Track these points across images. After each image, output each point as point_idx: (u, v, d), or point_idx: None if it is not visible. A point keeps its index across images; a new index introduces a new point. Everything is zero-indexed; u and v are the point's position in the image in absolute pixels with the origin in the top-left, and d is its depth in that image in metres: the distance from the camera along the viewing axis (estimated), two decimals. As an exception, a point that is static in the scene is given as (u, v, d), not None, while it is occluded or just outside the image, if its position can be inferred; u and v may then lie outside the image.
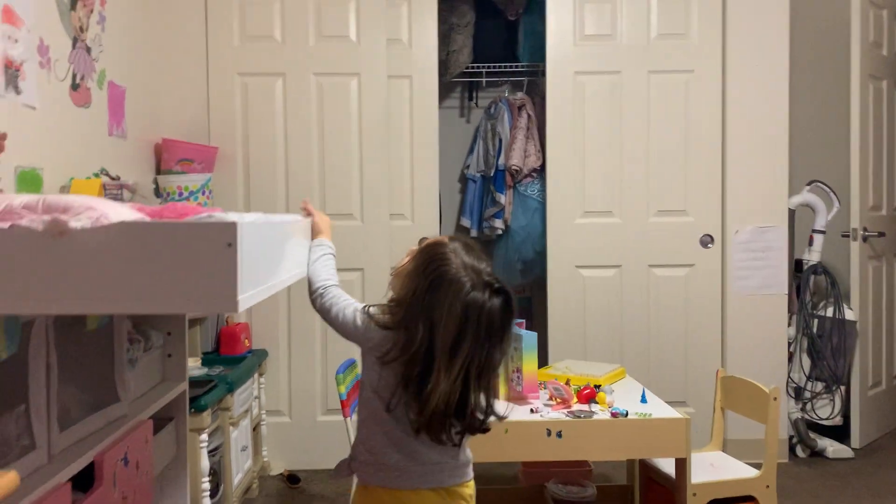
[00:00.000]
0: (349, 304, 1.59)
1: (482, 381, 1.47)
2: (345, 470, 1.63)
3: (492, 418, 1.52)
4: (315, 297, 1.63)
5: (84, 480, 1.46)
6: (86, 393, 1.54)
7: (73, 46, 2.54)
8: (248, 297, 1.10)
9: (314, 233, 1.80)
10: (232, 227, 1.04)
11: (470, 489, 1.59)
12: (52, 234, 1.01)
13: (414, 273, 1.50)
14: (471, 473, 1.60)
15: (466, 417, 1.47)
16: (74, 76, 2.54)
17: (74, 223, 1.00)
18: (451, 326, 1.42)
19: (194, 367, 2.91)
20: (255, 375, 3.35)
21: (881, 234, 3.86)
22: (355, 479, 1.64)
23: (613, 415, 2.31)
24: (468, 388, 1.45)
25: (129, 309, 1.05)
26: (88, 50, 2.65)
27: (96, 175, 2.61)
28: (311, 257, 1.71)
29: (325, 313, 1.61)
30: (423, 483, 1.53)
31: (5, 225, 1.01)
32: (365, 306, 1.58)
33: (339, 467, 1.66)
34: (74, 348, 1.48)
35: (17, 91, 2.17)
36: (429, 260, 1.49)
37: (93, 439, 1.50)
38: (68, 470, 1.35)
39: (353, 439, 2.66)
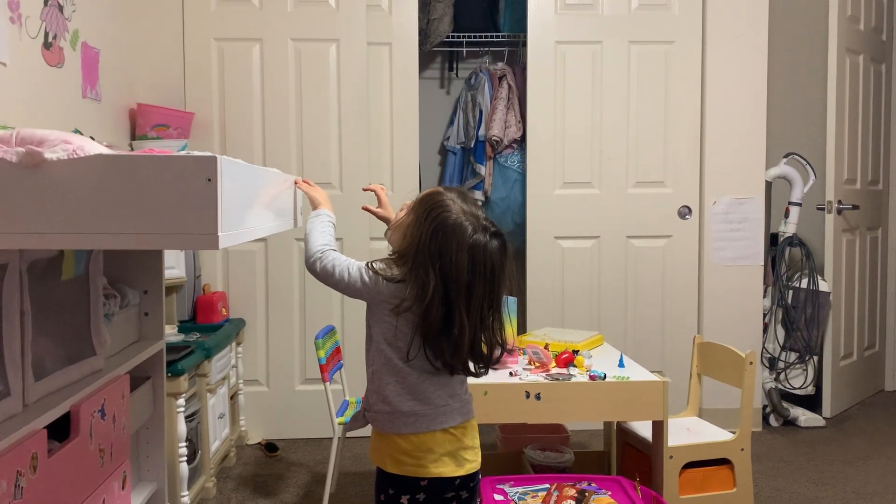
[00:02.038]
0: (351, 264, 1.61)
1: (494, 317, 1.56)
2: (360, 421, 1.70)
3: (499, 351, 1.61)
4: (314, 262, 1.63)
5: (60, 432, 1.44)
6: (60, 345, 1.52)
7: (46, 4, 2.47)
8: (228, 235, 1.08)
9: (312, 206, 1.80)
10: (212, 161, 1.03)
11: (474, 424, 1.68)
12: (27, 166, 0.98)
13: (416, 223, 1.55)
14: (473, 410, 1.68)
15: (484, 352, 1.57)
16: (47, 34, 2.48)
17: (50, 154, 0.98)
18: (462, 269, 1.49)
19: (171, 333, 2.88)
20: (233, 344, 3.33)
21: (855, 207, 3.91)
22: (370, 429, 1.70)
23: (592, 378, 2.32)
24: (484, 325, 1.55)
25: (107, 244, 1.03)
26: (61, 8, 2.59)
27: (70, 136, 2.56)
28: (308, 227, 1.72)
29: (328, 276, 1.61)
30: (436, 425, 1.59)
31: (-22, 156, 0.98)
32: (367, 263, 1.60)
33: (354, 419, 1.73)
34: (49, 298, 1.45)
35: (-13, 45, 2.11)
36: (429, 208, 1.54)
37: (69, 390, 1.48)
38: (44, 417, 1.33)
39: (332, 405, 2.69)
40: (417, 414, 1.58)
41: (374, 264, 1.59)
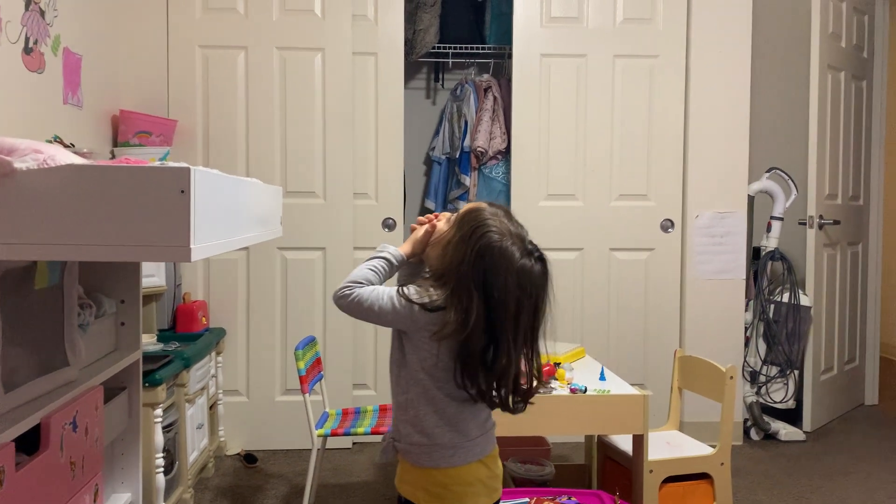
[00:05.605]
0: (383, 293, 1.50)
1: (535, 346, 1.49)
2: (391, 453, 1.60)
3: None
4: (341, 296, 1.51)
5: (30, 444, 1.42)
6: (33, 355, 1.49)
7: (27, 8, 2.45)
8: (202, 247, 1.07)
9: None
10: (185, 172, 1.01)
11: (497, 451, 1.62)
12: (-5, 175, 0.96)
13: (460, 242, 1.45)
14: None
15: (523, 384, 1.49)
16: (27, 40, 2.46)
17: (19, 164, 0.96)
18: (512, 297, 1.41)
19: (149, 342, 2.85)
20: (213, 354, 3.30)
21: (836, 223, 3.94)
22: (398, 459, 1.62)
23: (572, 391, 2.32)
24: (526, 356, 1.47)
25: (78, 255, 1.02)
26: (42, 14, 2.57)
27: (49, 142, 2.53)
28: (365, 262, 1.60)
29: (357, 307, 1.50)
30: (472, 457, 1.54)
31: (-55, 164, 0.96)
32: (398, 289, 1.51)
33: (385, 451, 1.62)
34: (22, 308, 1.43)
35: (-34, 50, 2.09)
36: (473, 227, 1.45)
37: (40, 402, 1.45)
38: (13, 430, 1.30)
39: (312, 416, 2.66)
40: (456, 446, 1.51)
41: (406, 290, 1.49)
